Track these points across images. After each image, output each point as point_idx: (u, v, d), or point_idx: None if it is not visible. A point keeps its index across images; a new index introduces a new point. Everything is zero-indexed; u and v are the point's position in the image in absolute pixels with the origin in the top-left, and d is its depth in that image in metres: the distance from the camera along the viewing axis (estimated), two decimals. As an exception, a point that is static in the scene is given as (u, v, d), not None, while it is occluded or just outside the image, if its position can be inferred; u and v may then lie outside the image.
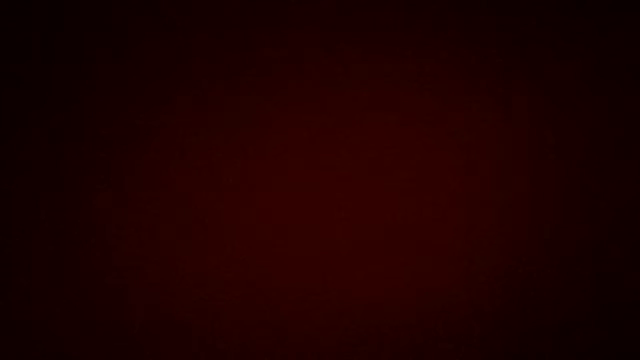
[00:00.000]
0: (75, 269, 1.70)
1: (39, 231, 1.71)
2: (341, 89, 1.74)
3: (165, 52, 1.74)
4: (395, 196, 1.72)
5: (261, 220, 1.72)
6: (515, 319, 1.71)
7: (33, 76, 1.73)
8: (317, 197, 1.72)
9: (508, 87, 1.74)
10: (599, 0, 1.75)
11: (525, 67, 1.74)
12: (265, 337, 1.70)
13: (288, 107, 1.73)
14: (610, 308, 1.71)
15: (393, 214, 1.72)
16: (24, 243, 1.70)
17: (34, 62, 1.73)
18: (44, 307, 1.70)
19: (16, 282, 1.70)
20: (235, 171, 1.72)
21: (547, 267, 1.72)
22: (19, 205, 1.71)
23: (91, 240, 1.70)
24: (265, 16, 1.74)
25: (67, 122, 1.72)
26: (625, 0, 1.75)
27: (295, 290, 1.71)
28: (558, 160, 1.73)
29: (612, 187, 1.73)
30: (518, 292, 1.71)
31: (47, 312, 1.70)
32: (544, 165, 1.73)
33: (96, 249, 1.70)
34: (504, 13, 1.75)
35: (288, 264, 1.71)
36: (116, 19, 1.74)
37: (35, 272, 1.70)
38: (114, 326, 1.70)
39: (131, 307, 1.70)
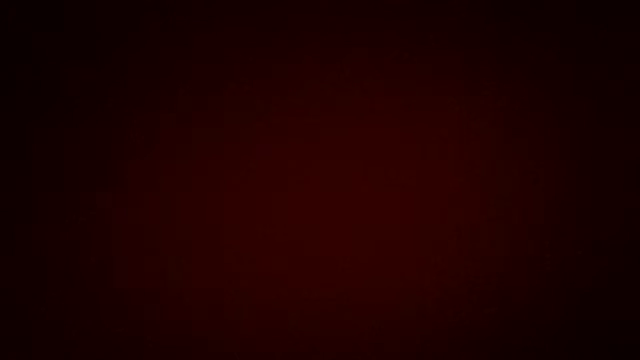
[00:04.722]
0: (74, 271, 1.71)
1: (39, 231, 1.71)
2: (340, 89, 1.74)
3: (165, 52, 1.74)
4: (393, 196, 1.72)
5: (261, 222, 1.72)
6: (514, 319, 1.71)
7: (32, 77, 1.73)
8: (315, 198, 1.72)
9: (506, 87, 1.74)
10: (599, 1, 1.75)
11: (524, 68, 1.74)
12: (265, 339, 1.71)
13: (287, 108, 1.74)
14: (610, 308, 1.72)
15: (391, 215, 1.72)
16: (26, 244, 1.71)
17: (34, 63, 1.74)
18: (46, 310, 1.70)
19: (18, 284, 1.71)
20: (236, 172, 1.73)
21: (546, 266, 1.72)
22: (19, 206, 1.72)
23: (93, 244, 1.71)
24: (265, 16, 1.75)
25: (67, 123, 1.73)
26: (626, 1, 1.75)
27: (294, 290, 1.71)
28: (556, 160, 1.73)
29: (611, 187, 1.73)
30: (517, 292, 1.71)
31: (47, 314, 1.70)
32: (543, 166, 1.73)
33: (98, 252, 1.71)
34: (502, 13, 1.75)
35: (288, 265, 1.72)
36: (115, 18, 1.74)
37: (36, 275, 1.71)
38: (116, 327, 1.70)
39: (131, 308, 1.70)
